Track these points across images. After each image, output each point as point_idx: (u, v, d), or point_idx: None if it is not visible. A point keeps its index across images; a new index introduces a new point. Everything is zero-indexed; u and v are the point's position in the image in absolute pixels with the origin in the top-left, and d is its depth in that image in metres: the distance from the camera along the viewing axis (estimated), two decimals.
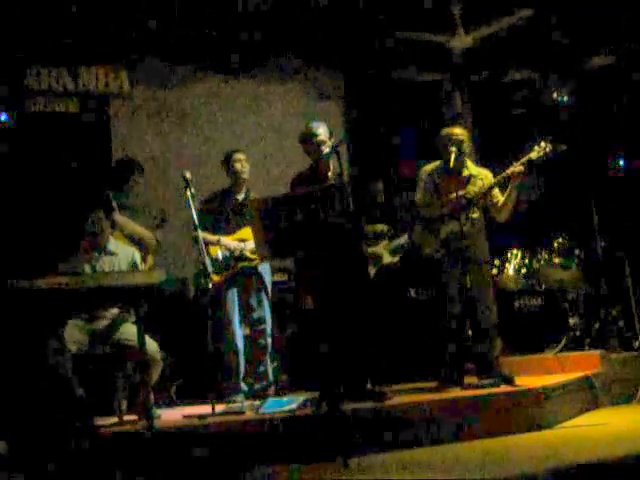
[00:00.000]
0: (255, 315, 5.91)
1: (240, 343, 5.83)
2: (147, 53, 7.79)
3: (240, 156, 5.96)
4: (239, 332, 5.85)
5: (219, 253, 5.78)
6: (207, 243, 5.67)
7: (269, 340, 5.94)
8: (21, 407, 4.14)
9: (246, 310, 5.91)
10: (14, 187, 6.89)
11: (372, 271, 6.42)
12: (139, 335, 4.36)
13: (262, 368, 5.91)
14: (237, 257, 5.81)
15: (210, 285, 5.31)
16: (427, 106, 8.71)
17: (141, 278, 4.25)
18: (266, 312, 5.93)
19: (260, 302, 5.92)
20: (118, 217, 5.92)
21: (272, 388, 5.89)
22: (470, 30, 8.53)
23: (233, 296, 5.84)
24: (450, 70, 8.74)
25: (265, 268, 5.96)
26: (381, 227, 6.57)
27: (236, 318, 5.84)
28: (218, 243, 5.79)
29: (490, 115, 8.75)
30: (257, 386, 5.86)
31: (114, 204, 5.97)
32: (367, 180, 6.76)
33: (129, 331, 5.04)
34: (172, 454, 4.12)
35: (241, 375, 5.82)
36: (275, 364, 6.17)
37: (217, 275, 5.70)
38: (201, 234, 5.44)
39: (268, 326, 5.93)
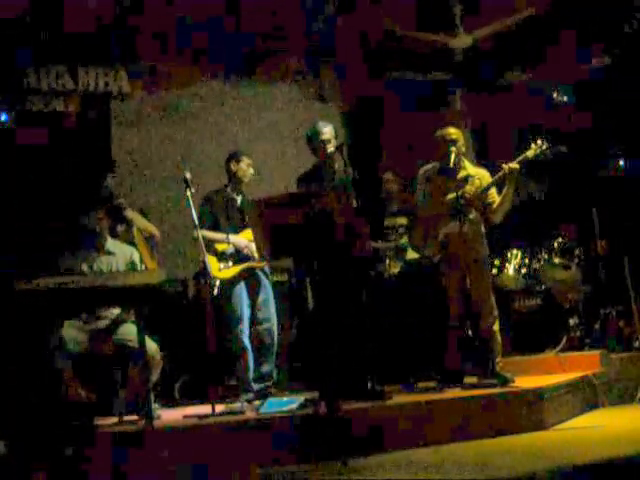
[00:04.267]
0: (261, 314, 5.88)
1: (247, 341, 5.82)
2: (147, 53, 7.79)
3: (248, 160, 5.97)
4: (247, 330, 5.84)
5: (225, 250, 5.78)
6: (213, 241, 5.71)
7: (275, 339, 5.92)
8: (21, 407, 4.14)
9: (253, 309, 5.89)
10: (14, 187, 6.89)
11: (397, 267, 6.40)
12: (139, 335, 4.37)
13: (267, 368, 5.88)
14: (245, 256, 5.79)
15: (217, 282, 5.35)
16: (427, 106, 8.70)
17: (141, 278, 4.25)
18: (271, 311, 5.92)
19: (266, 301, 5.91)
20: (129, 213, 5.91)
21: (273, 388, 5.87)
22: (470, 30, 8.54)
23: (242, 294, 5.83)
24: (450, 70, 8.74)
25: (266, 268, 5.98)
26: (401, 220, 6.53)
27: (245, 316, 5.83)
28: (227, 240, 5.78)
29: (490, 115, 8.76)
30: (258, 386, 5.84)
31: (123, 201, 5.94)
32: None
33: (129, 331, 5.04)
34: (172, 454, 4.12)
35: (251, 374, 5.80)
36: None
37: (225, 272, 5.71)
38: (205, 233, 5.51)
39: (274, 325, 5.92)
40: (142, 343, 4.36)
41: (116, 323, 5.13)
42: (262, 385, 5.83)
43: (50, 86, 7.55)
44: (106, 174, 6.22)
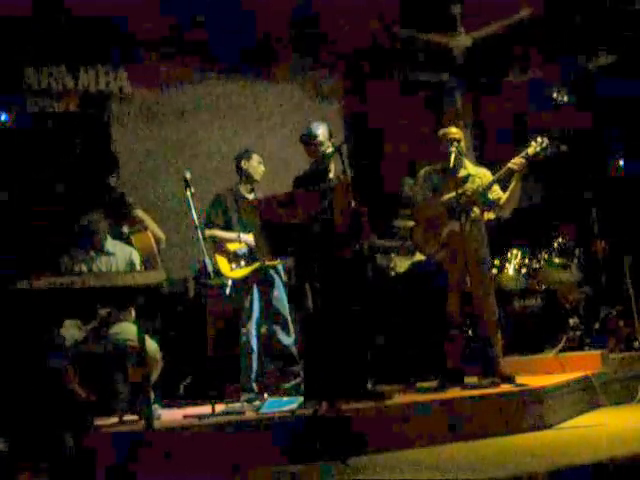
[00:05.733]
0: (282, 314, 5.85)
1: (254, 342, 5.81)
2: (147, 53, 7.80)
3: (258, 157, 5.99)
4: (255, 332, 5.82)
5: (238, 250, 5.77)
6: (225, 240, 5.73)
7: (293, 337, 5.88)
8: (20, 406, 4.14)
9: (266, 310, 5.87)
10: (13, 187, 6.89)
11: (405, 265, 6.39)
12: (139, 335, 4.37)
13: (295, 367, 5.82)
14: (256, 255, 5.76)
15: (229, 282, 5.33)
16: (428, 106, 8.71)
17: (141, 278, 4.25)
18: (286, 312, 5.88)
19: (280, 300, 5.86)
20: (139, 212, 5.90)
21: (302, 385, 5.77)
22: (470, 30, 8.54)
23: (253, 295, 5.83)
24: (450, 70, 8.74)
25: (280, 268, 5.96)
26: (412, 223, 6.51)
27: (255, 317, 5.82)
28: (238, 239, 5.78)
29: (490, 115, 8.76)
30: (289, 384, 5.78)
31: (131, 200, 5.92)
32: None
33: (129, 331, 5.04)
34: (171, 454, 4.12)
35: (253, 375, 5.80)
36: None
37: (237, 271, 5.70)
38: (217, 232, 5.52)
39: (289, 324, 5.87)
40: (142, 343, 4.36)
41: (116, 323, 5.12)
42: (293, 383, 5.74)
43: (50, 86, 7.56)
44: (109, 174, 6.20)
